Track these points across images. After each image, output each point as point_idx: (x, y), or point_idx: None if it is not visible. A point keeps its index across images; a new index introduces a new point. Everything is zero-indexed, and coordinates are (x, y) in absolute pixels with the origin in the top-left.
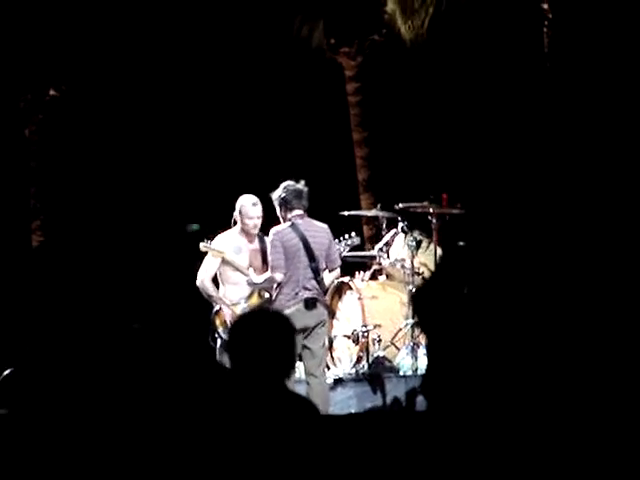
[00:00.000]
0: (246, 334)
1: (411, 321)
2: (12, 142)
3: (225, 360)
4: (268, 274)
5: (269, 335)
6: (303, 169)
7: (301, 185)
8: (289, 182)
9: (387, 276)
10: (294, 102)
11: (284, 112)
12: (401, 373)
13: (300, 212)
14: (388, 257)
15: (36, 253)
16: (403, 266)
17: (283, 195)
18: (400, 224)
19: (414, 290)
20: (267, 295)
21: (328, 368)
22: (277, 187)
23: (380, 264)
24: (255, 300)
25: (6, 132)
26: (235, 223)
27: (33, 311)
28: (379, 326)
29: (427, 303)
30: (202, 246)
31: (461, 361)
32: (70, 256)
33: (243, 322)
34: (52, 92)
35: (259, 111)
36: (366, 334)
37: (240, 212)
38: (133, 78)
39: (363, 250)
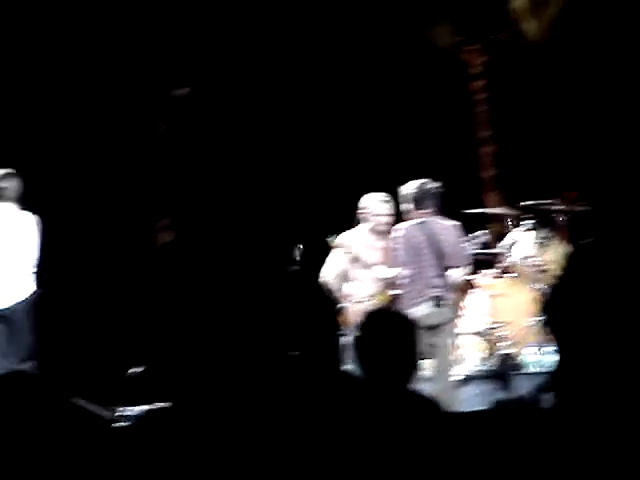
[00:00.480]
0: (370, 335)
1: (539, 319)
2: (142, 141)
3: (348, 358)
4: (394, 271)
5: (392, 336)
6: (423, 168)
7: (434, 184)
8: (423, 180)
9: (515, 274)
10: (417, 100)
11: (406, 110)
12: (528, 370)
13: (429, 210)
14: (516, 255)
15: (164, 252)
16: (531, 264)
17: (415, 193)
18: (527, 221)
19: (543, 288)
20: (393, 292)
21: (455, 366)
22: (401, 185)
23: (508, 261)
24: (381, 298)
25: (136, 131)
26: (359, 222)
27: (163, 310)
28: (506, 323)
29: (557, 302)
30: (330, 241)
31: (592, 360)
32: (200, 256)
33: (367, 323)
34: (181, 90)
35: (382, 110)
36: (493, 331)
37: (368, 210)
38: (263, 76)
39: (491, 248)
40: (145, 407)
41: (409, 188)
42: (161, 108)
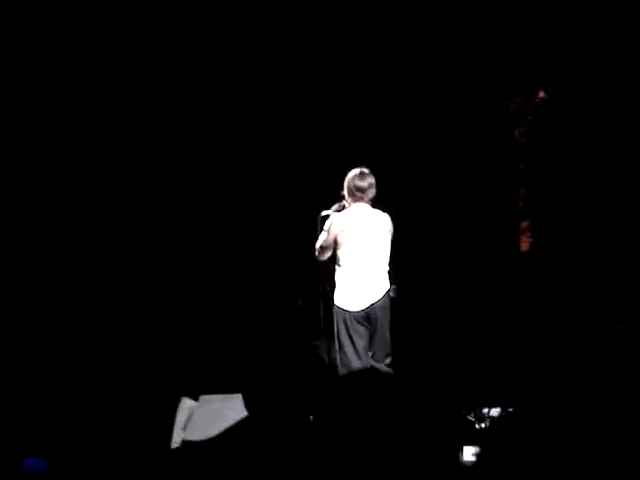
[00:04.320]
0: None
1: None
2: (501, 144)
3: None
4: None
5: None
6: None
7: None
8: None
9: None
10: None
11: None
12: None
13: None
14: None
15: (526, 257)
16: None
17: None
18: None
19: None
20: None
21: None
22: None
23: None
24: None
25: (496, 134)
26: None
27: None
28: None
29: None
30: None
31: None
32: (559, 259)
33: None
34: (541, 94)
35: None
36: None
37: None
38: None
39: None
40: (499, 409)
41: None
42: (520, 113)
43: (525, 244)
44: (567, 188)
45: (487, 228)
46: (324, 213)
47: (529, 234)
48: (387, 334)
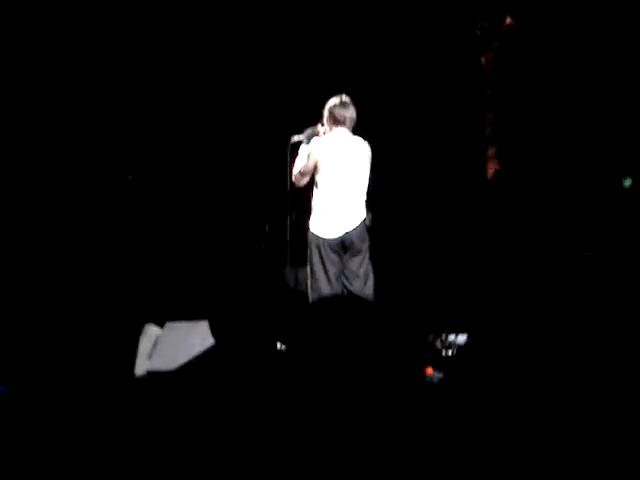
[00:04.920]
0: None
1: None
2: (468, 70)
3: None
4: None
5: None
6: None
7: None
8: None
9: None
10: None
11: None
12: None
13: None
14: None
15: (492, 183)
16: None
17: None
18: None
19: None
20: None
21: None
22: None
23: None
24: None
25: (462, 60)
26: None
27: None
28: None
29: None
30: None
31: None
32: (526, 186)
33: None
34: (508, 20)
35: None
36: None
37: None
38: None
39: None
40: (466, 336)
41: None
42: (486, 39)
43: (492, 171)
44: (533, 114)
45: (454, 155)
46: (295, 138)
47: (496, 160)
48: (366, 261)
